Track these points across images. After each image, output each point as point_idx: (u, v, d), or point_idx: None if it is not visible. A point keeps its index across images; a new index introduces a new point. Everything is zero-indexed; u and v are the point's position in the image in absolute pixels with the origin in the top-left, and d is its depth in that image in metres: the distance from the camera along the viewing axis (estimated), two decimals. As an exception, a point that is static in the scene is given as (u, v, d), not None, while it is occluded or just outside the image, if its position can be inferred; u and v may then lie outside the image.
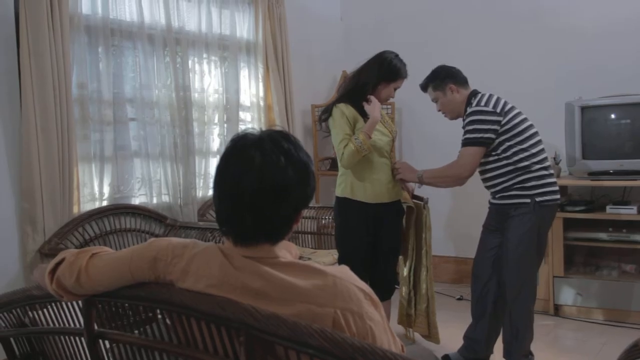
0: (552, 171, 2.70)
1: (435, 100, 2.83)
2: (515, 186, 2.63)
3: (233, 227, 1.18)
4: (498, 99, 2.65)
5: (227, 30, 3.86)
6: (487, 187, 2.77)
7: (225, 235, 1.20)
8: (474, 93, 2.74)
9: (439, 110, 2.86)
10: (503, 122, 2.59)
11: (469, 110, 2.68)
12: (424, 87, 2.85)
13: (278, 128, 1.26)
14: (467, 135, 2.65)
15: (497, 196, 2.72)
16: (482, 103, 2.63)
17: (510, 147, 2.60)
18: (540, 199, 2.60)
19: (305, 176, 1.20)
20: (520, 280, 2.68)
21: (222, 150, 4.08)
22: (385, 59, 2.76)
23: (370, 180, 2.76)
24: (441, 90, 2.78)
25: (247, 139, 1.19)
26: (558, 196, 2.68)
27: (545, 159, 2.67)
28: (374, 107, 2.70)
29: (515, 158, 2.60)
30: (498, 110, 2.60)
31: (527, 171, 2.60)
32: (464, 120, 2.73)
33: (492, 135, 2.61)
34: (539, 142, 2.66)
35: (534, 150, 2.62)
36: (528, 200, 2.60)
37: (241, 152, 1.18)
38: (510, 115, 2.61)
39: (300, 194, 1.19)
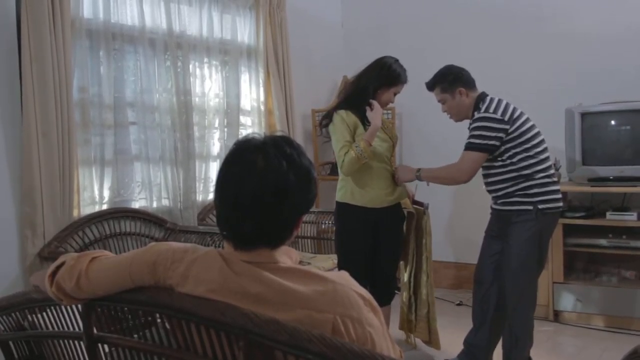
0: (555, 179, 2.69)
1: (442, 101, 2.79)
2: (517, 193, 2.62)
3: (233, 230, 1.18)
4: (507, 105, 2.62)
5: (228, 34, 3.87)
6: (489, 192, 2.76)
7: (226, 239, 1.20)
8: (482, 97, 2.70)
9: (445, 112, 2.82)
10: (510, 130, 2.57)
11: (476, 115, 2.65)
12: (431, 86, 2.80)
13: (281, 133, 1.27)
14: (471, 140, 2.63)
15: (498, 202, 2.71)
16: (491, 110, 2.60)
17: (516, 154, 2.59)
18: (542, 207, 2.59)
19: (307, 182, 1.20)
20: (521, 287, 2.67)
21: (223, 154, 4.08)
22: (385, 64, 2.77)
23: (371, 186, 2.76)
24: (449, 93, 2.73)
25: (250, 143, 1.20)
26: (561, 204, 2.67)
27: (550, 166, 2.65)
28: (375, 114, 2.69)
29: (520, 165, 2.59)
30: (506, 118, 2.57)
31: (530, 178, 2.59)
32: (470, 124, 2.71)
33: (497, 143, 2.59)
34: (545, 149, 2.64)
35: (539, 158, 2.60)
36: (530, 207, 2.59)
37: (243, 155, 1.18)
38: (518, 123, 2.58)
39: (301, 199, 1.19)
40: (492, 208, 2.81)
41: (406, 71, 2.80)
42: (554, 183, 2.66)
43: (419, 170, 2.77)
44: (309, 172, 1.21)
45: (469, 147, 2.64)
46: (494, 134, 2.58)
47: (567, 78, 3.98)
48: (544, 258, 2.74)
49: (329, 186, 4.29)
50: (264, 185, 1.14)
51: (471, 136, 2.64)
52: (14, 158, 2.78)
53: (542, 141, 2.64)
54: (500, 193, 2.68)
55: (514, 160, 2.60)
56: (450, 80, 2.73)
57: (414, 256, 2.99)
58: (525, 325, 2.72)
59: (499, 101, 2.65)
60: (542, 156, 2.62)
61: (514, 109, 2.62)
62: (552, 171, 2.67)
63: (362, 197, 2.76)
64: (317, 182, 1.24)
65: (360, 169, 2.71)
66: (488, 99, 2.68)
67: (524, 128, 2.59)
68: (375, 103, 2.72)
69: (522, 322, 2.70)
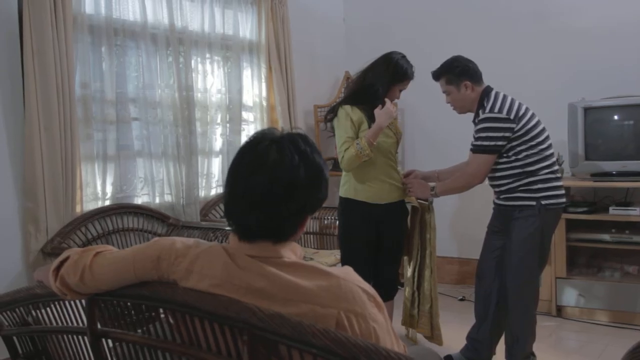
0: (559, 175, 2.67)
1: (446, 93, 2.75)
2: (520, 188, 2.60)
3: (239, 221, 1.19)
4: (512, 102, 2.58)
5: (230, 30, 3.87)
6: (492, 187, 2.75)
7: (232, 232, 1.20)
8: (487, 92, 2.66)
9: (448, 103, 2.77)
10: (516, 129, 2.54)
11: (481, 115, 2.61)
12: (437, 77, 2.75)
13: (299, 130, 1.26)
14: (479, 143, 2.60)
15: (501, 197, 2.69)
16: (496, 109, 2.56)
17: (521, 151, 2.57)
18: (546, 202, 2.57)
19: (317, 180, 1.19)
20: (522, 283, 2.66)
21: (225, 150, 4.04)
22: (391, 60, 2.74)
23: (374, 181, 2.75)
24: (455, 86, 2.69)
25: (266, 136, 1.20)
26: (564, 200, 2.66)
27: (554, 162, 2.63)
28: (382, 113, 2.63)
29: (525, 161, 2.57)
30: (512, 116, 2.54)
31: (533, 174, 2.58)
32: (475, 123, 2.68)
33: (504, 142, 2.56)
34: (550, 146, 2.62)
35: (544, 154, 2.59)
36: (533, 203, 2.58)
37: (257, 147, 1.18)
38: (524, 120, 2.55)
39: (310, 196, 1.19)
40: (494, 203, 2.80)
41: (413, 67, 2.77)
42: (557, 179, 2.65)
43: (433, 188, 2.75)
44: (321, 170, 1.20)
45: (477, 150, 2.61)
46: (500, 134, 2.56)
47: (570, 73, 3.96)
48: (546, 254, 2.73)
49: (331, 182, 4.26)
50: (273, 178, 1.14)
51: (478, 138, 2.61)
52: (16, 153, 2.79)
53: (547, 137, 2.62)
54: (503, 188, 2.67)
55: (519, 157, 2.58)
56: (457, 73, 2.68)
57: (418, 251, 2.98)
58: (527, 320, 2.71)
59: (504, 98, 2.61)
60: (547, 152, 2.61)
61: (520, 106, 2.59)
62: (556, 167, 2.66)
63: (365, 192, 2.75)
64: (328, 183, 1.23)
65: (363, 165, 2.69)
66: (493, 95, 2.64)
67: (529, 125, 2.57)
68: (387, 102, 2.66)
69: (523, 318, 2.69)
